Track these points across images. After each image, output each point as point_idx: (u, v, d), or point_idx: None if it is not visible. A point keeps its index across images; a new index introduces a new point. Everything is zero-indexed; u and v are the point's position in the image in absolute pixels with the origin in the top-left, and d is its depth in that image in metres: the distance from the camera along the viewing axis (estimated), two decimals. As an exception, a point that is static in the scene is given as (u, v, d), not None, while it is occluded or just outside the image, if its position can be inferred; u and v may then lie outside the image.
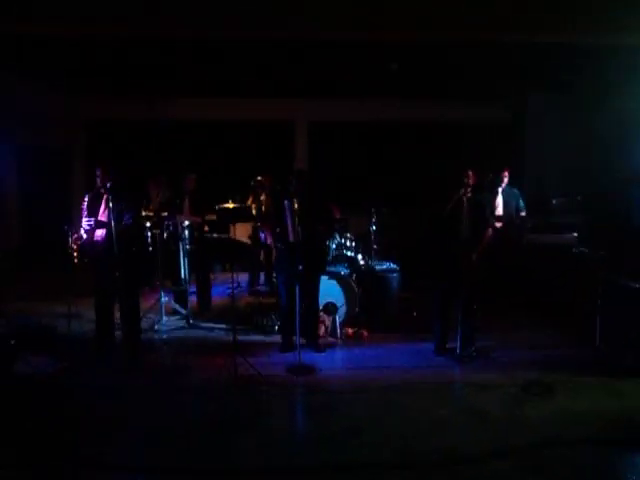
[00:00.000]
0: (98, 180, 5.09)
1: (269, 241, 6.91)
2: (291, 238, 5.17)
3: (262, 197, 7.91)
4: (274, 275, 6.91)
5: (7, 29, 5.39)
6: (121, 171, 5.16)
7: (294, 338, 5.14)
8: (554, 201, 7.04)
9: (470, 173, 5.08)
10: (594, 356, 5.12)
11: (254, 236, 7.93)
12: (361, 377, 4.78)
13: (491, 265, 5.29)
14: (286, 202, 5.21)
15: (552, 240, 6.63)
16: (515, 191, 7.24)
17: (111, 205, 4.84)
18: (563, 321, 6.05)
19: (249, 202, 7.98)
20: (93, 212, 5.09)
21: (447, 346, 5.30)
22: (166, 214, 6.55)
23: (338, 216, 6.57)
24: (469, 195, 5.11)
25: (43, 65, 7.90)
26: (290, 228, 5.17)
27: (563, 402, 4.23)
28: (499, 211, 7.14)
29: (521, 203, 7.18)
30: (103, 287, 5.14)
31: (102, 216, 5.06)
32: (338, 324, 5.92)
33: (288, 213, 5.20)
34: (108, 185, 4.92)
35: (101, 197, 5.10)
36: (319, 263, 5.62)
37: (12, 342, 4.95)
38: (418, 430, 3.81)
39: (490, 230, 5.26)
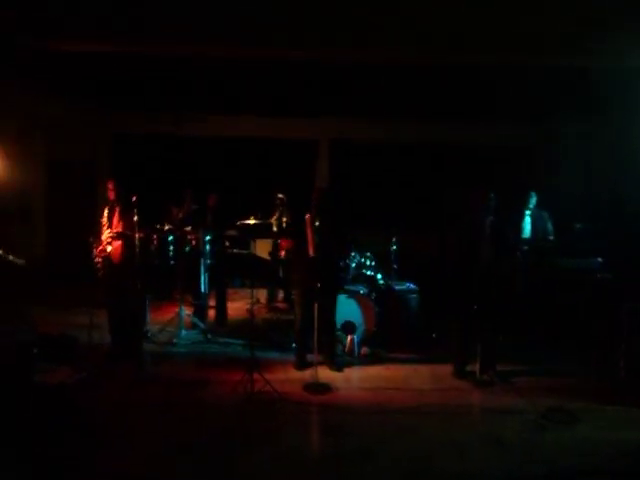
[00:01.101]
0: (111, 193, 5.29)
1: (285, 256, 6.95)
2: (311, 253, 5.20)
3: (279, 214, 8.01)
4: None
5: (40, 46, 5.57)
6: (131, 185, 5.32)
7: (309, 356, 5.12)
8: (577, 225, 6.92)
9: (491, 195, 5.05)
10: (617, 385, 5.00)
11: (274, 252, 7.98)
12: (378, 398, 4.73)
13: (513, 289, 5.21)
14: (307, 217, 5.26)
15: (575, 265, 6.52)
16: (544, 214, 7.11)
17: (125, 217, 5.04)
18: (585, 348, 5.91)
19: (272, 219, 8.06)
20: (110, 225, 5.31)
21: (466, 369, 5.23)
22: (189, 228, 6.65)
23: None
24: (491, 218, 5.07)
25: (73, 81, 8.12)
26: (310, 243, 5.21)
27: (584, 431, 4.12)
28: (526, 233, 7.02)
29: (549, 226, 7.05)
30: (116, 298, 5.28)
31: (116, 228, 5.28)
32: (356, 343, 5.89)
33: (309, 228, 5.24)
34: (134, 199, 5.10)
35: (115, 210, 5.31)
36: (337, 280, 5.63)
37: (34, 351, 5.02)
38: (433, 455, 3.74)
39: (519, 254, 5.16)
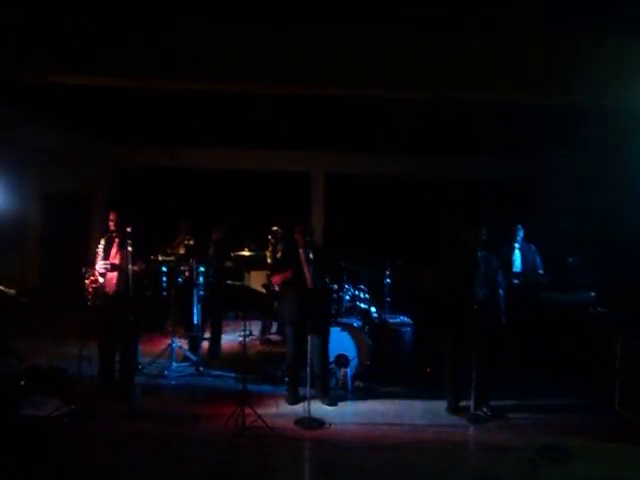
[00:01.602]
0: (111, 224, 5.27)
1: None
2: (309, 285, 5.22)
3: (271, 247, 8.03)
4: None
5: (38, 79, 5.64)
6: (134, 217, 5.31)
7: (302, 389, 5.06)
8: (570, 259, 6.94)
9: (483, 230, 5.08)
10: (613, 421, 4.96)
11: (268, 284, 7.95)
12: (371, 433, 4.66)
13: (506, 324, 5.19)
14: (301, 251, 5.29)
15: (568, 299, 6.53)
16: (532, 247, 7.14)
17: (130, 249, 4.97)
18: (580, 383, 5.88)
19: (267, 251, 8.06)
20: (107, 256, 5.26)
21: (461, 405, 5.17)
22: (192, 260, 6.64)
23: None
24: (482, 251, 5.10)
25: (69, 113, 8.20)
26: (307, 275, 5.23)
27: (580, 469, 4.06)
28: (516, 267, 7.04)
29: (538, 260, 7.07)
30: (107, 330, 5.23)
31: (114, 259, 5.22)
32: (349, 377, 5.83)
33: (304, 261, 5.26)
34: (128, 230, 5.08)
35: (113, 241, 5.28)
36: (328, 314, 5.63)
37: (22, 383, 4.95)
38: (428, 492, 3.68)
39: (501, 292, 5.18)
